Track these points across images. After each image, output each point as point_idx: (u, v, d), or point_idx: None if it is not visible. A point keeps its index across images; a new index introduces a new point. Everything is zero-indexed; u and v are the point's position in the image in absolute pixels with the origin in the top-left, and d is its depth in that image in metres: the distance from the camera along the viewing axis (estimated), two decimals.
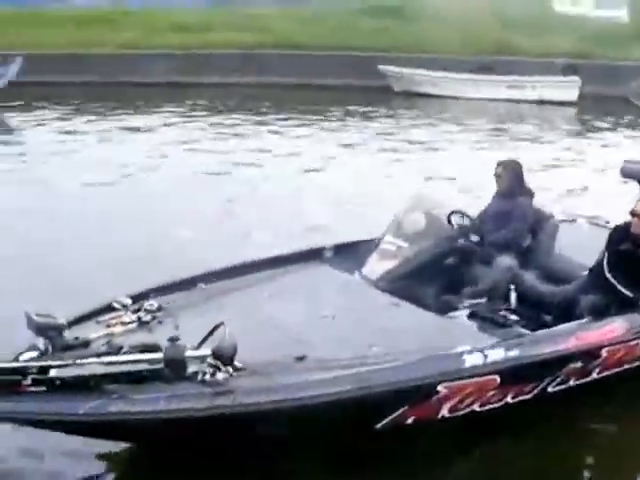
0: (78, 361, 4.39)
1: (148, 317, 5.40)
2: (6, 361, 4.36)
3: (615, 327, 5.58)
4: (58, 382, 4.27)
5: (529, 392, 5.34)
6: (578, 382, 5.53)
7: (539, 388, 5.37)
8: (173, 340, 4.49)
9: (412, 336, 5.23)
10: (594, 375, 5.58)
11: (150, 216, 10.33)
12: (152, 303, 5.55)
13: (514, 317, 6.20)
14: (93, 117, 19.77)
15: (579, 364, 5.39)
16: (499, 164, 7.17)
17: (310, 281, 6.20)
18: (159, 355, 4.39)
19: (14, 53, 22.39)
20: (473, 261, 6.58)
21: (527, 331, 5.81)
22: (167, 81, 24.12)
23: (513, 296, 6.31)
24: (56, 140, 16.57)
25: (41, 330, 4.54)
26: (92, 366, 4.39)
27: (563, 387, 5.49)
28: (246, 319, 5.28)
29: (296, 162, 14.47)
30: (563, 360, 5.31)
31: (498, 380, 5.02)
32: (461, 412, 5.09)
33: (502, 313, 6.21)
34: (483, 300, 6.31)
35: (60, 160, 14.51)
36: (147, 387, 4.35)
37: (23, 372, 4.28)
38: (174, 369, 4.36)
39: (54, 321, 4.58)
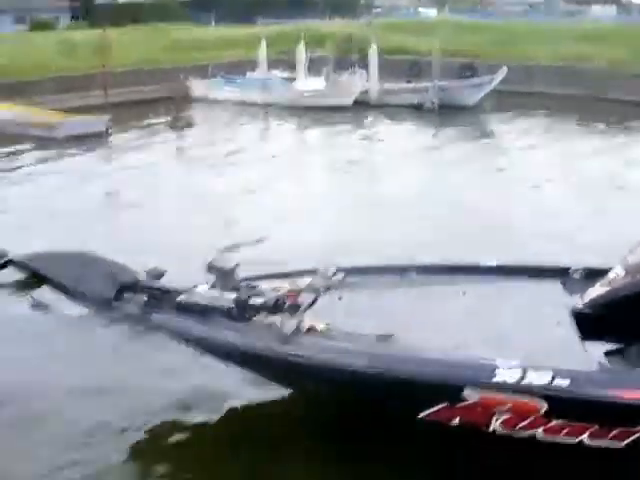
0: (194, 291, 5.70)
1: (321, 285, 6.02)
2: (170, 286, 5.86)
3: None
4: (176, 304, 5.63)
5: (614, 438, 4.79)
6: None
7: (630, 440, 4.78)
8: (246, 289, 5.40)
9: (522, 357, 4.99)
10: None
11: None
12: (338, 276, 6.21)
13: None
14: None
15: None
16: None
17: (517, 294, 6.13)
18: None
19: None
20: None
21: None
22: None
23: None
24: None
25: (209, 269, 5.80)
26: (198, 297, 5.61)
27: None
28: (403, 310, 5.81)
29: None
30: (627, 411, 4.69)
31: (545, 406, 4.70)
32: (518, 434, 4.87)
33: None
34: None
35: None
36: (225, 321, 5.39)
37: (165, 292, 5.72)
38: (239, 310, 5.37)
39: (221, 264, 5.81)
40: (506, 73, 23.16)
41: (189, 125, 20.31)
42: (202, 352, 5.81)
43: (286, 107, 23.71)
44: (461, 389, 4.76)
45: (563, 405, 4.72)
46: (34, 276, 6.26)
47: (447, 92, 23.42)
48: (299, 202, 12.72)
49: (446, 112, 22.73)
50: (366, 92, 24.28)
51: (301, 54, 24.16)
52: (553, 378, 4.69)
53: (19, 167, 15.34)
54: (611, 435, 4.81)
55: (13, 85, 21.60)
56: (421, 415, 4.98)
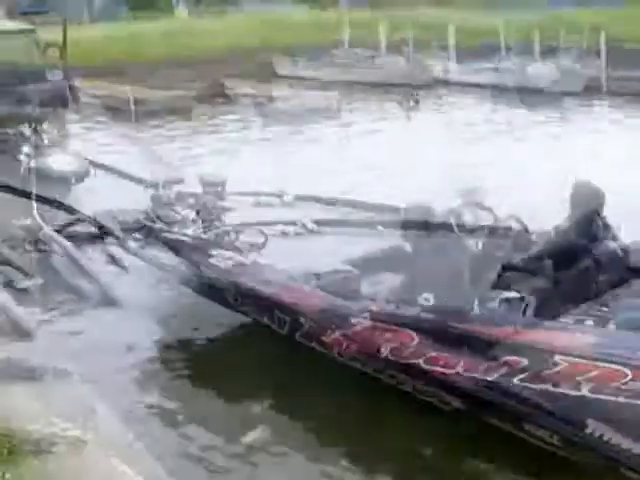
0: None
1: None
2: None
3: None
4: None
5: (485, 372, 5.32)
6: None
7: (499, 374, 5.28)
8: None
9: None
10: None
11: None
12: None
13: None
14: None
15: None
16: None
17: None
18: None
19: None
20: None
21: None
22: None
23: None
24: None
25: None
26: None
27: None
28: None
29: None
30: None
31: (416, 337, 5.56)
32: (406, 361, 5.68)
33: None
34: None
35: None
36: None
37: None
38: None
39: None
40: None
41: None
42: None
43: (369, 85, 24.93)
44: (348, 318, 5.75)
45: (430, 335, 5.43)
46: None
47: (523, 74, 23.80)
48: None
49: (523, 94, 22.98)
50: (447, 71, 25.42)
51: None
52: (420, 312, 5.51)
53: None
54: (482, 369, 5.27)
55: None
56: (323, 338, 6.03)
